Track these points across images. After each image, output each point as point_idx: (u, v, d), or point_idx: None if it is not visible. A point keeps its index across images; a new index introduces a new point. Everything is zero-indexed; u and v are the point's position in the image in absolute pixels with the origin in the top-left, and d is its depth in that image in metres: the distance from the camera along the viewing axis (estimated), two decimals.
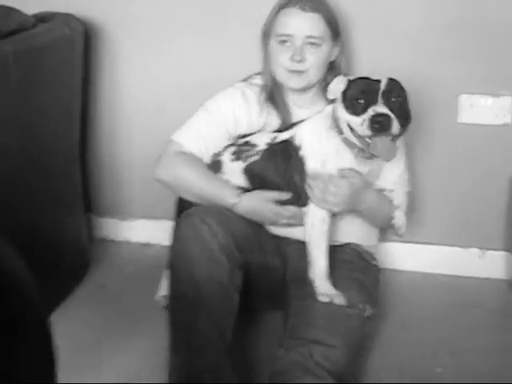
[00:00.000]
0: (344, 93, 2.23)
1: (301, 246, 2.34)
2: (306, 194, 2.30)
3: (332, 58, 2.50)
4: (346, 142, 2.24)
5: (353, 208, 2.35)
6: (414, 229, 2.97)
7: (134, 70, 3.15)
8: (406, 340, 2.60)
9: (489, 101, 2.80)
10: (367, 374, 2.37)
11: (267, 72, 2.52)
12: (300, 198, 2.32)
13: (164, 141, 2.56)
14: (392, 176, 2.46)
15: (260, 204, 2.35)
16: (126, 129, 3.23)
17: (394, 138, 2.16)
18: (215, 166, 2.45)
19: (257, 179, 2.39)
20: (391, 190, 2.41)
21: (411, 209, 2.74)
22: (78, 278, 2.99)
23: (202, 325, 2.14)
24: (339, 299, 2.22)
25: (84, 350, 2.54)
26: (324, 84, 2.49)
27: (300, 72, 2.41)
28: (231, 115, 2.51)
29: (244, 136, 2.48)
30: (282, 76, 2.46)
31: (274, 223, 2.43)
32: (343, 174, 2.25)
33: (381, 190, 2.41)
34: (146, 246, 3.36)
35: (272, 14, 2.47)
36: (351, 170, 2.26)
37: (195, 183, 2.42)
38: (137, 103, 3.18)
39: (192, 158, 2.47)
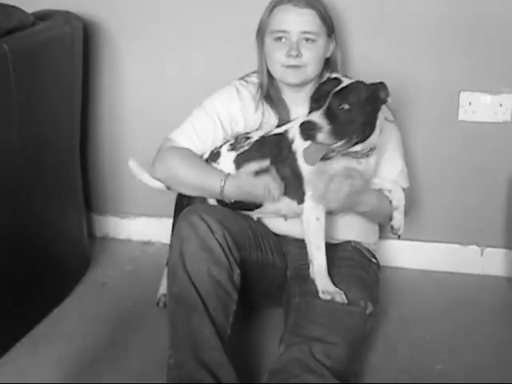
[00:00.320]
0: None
1: (301, 244, 2.35)
2: (302, 191, 2.31)
3: (328, 54, 2.51)
4: None
5: (350, 207, 2.37)
6: (413, 226, 2.98)
7: (133, 68, 3.15)
8: (405, 337, 2.60)
9: (489, 98, 2.80)
10: (367, 371, 2.38)
11: (263, 70, 2.53)
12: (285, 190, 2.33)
13: (164, 138, 2.57)
14: (390, 174, 2.47)
15: (240, 179, 2.34)
16: (126, 127, 3.23)
17: (334, 146, 2.13)
18: (214, 156, 2.47)
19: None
20: (389, 190, 2.41)
21: (410, 205, 2.76)
22: (78, 276, 3.00)
23: (200, 323, 2.14)
24: (340, 297, 2.22)
25: (84, 348, 2.54)
26: (320, 80, 2.50)
27: (297, 67, 2.42)
28: (227, 113, 2.52)
29: (247, 133, 2.49)
30: (279, 72, 2.46)
31: (260, 198, 2.37)
32: (347, 173, 2.25)
33: (379, 190, 2.42)
34: (147, 244, 3.36)
35: (266, 12, 2.48)
36: (354, 169, 2.26)
37: (187, 175, 2.43)
38: (137, 101, 3.18)
39: (184, 152, 2.47)
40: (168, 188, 2.57)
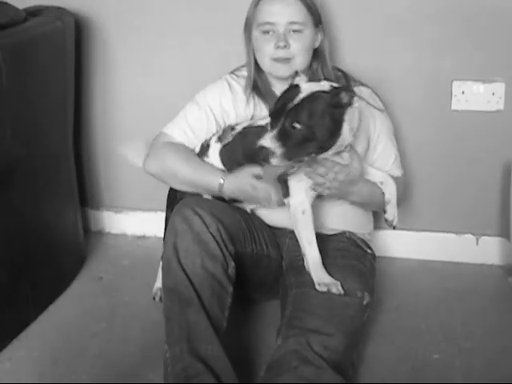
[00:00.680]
0: None
1: (296, 235, 2.34)
2: (286, 185, 2.30)
3: (316, 45, 2.50)
4: None
5: (343, 196, 2.37)
6: (408, 216, 2.99)
7: (126, 63, 3.15)
8: (402, 327, 2.61)
9: (481, 87, 2.80)
10: (364, 362, 2.38)
11: (251, 63, 2.53)
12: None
13: (157, 132, 2.57)
14: (385, 165, 2.50)
15: (243, 179, 2.34)
16: (119, 121, 3.23)
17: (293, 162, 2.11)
18: (205, 149, 2.47)
19: (227, 159, 2.42)
20: (381, 182, 2.42)
21: (407, 191, 2.77)
22: (74, 271, 3.00)
23: (195, 317, 2.14)
24: (336, 288, 2.22)
25: (80, 343, 2.54)
26: (310, 72, 2.49)
27: (286, 59, 2.41)
28: (219, 107, 2.53)
29: (233, 125, 2.49)
30: (268, 65, 2.46)
31: (258, 201, 2.39)
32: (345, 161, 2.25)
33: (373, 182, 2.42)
34: (142, 238, 3.36)
35: (252, 5, 2.48)
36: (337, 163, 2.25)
37: (182, 171, 2.44)
38: (130, 96, 3.18)
39: (178, 147, 2.48)
40: None
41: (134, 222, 3.38)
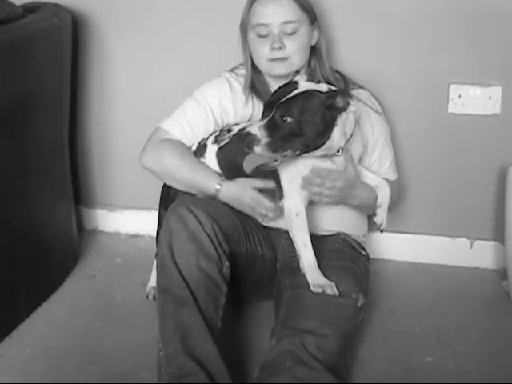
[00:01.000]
0: None
1: (290, 236, 2.34)
2: (280, 187, 2.30)
3: (313, 42, 2.51)
4: None
5: (343, 201, 2.37)
6: (403, 219, 3.00)
7: (122, 61, 3.14)
8: (395, 329, 2.61)
9: (478, 91, 2.80)
10: (357, 363, 2.38)
11: (247, 64, 2.53)
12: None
13: (153, 130, 2.57)
14: (381, 168, 2.51)
15: (243, 190, 2.35)
16: (115, 119, 3.22)
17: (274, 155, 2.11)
18: (201, 149, 2.47)
19: (224, 162, 2.42)
20: (376, 186, 2.42)
21: (401, 195, 2.77)
22: (67, 269, 2.99)
23: (190, 316, 2.14)
24: (331, 289, 2.22)
25: (73, 341, 2.53)
26: (309, 70, 2.50)
27: (282, 59, 2.41)
28: (218, 104, 2.53)
29: (229, 126, 2.50)
30: (265, 66, 2.46)
31: (253, 213, 2.41)
32: (316, 173, 2.24)
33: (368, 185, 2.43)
34: (136, 236, 3.35)
35: (246, 7, 2.48)
36: (324, 170, 2.24)
37: (180, 171, 2.44)
38: (126, 93, 3.18)
39: (177, 146, 2.48)
40: None
41: (128, 221, 3.37)
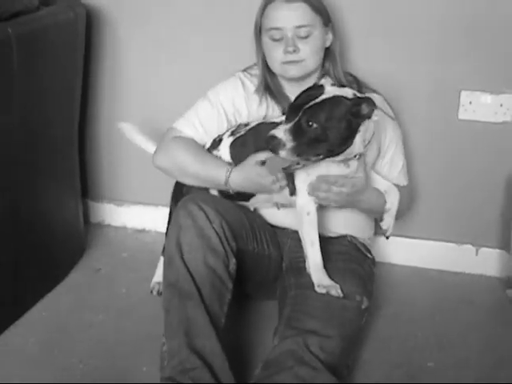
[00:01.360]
0: None
1: (297, 236, 2.35)
2: (293, 183, 2.30)
3: (327, 44, 2.50)
4: None
5: (351, 206, 2.39)
6: (409, 224, 2.99)
7: (134, 55, 3.14)
8: (398, 333, 2.61)
9: (489, 98, 2.80)
10: (359, 366, 2.38)
11: (261, 66, 2.53)
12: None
13: (163, 125, 2.59)
14: (392, 173, 2.51)
15: (249, 167, 2.34)
16: (125, 113, 3.22)
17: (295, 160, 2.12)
18: (216, 143, 2.47)
19: (236, 152, 2.42)
20: (385, 191, 2.43)
21: (412, 201, 2.77)
22: (73, 261, 3.00)
23: (194, 311, 2.14)
24: (335, 290, 2.22)
25: (76, 333, 2.54)
26: (323, 72, 2.50)
27: (296, 61, 2.41)
28: (231, 105, 2.53)
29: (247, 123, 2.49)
30: (279, 69, 2.46)
31: (265, 189, 2.37)
32: (328, 179, 2.25)
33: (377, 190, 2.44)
34: (142, 231, 3.36)
35: (260, 11, 2.48)
36: (338, 176, 2.25)
37: (192, 166, 2.43)
38: (137, 87, 3.18)
39: (188, 142, 2.48)
40: None
41: (135, 216, 3.38)
